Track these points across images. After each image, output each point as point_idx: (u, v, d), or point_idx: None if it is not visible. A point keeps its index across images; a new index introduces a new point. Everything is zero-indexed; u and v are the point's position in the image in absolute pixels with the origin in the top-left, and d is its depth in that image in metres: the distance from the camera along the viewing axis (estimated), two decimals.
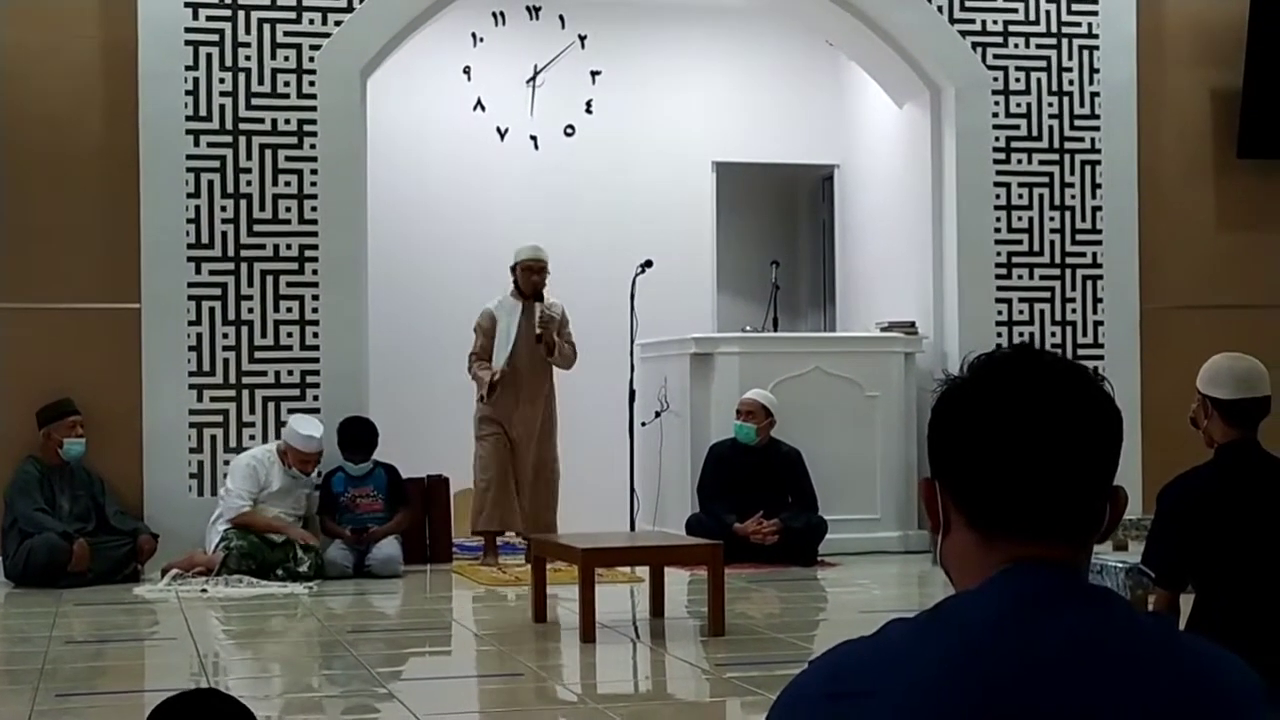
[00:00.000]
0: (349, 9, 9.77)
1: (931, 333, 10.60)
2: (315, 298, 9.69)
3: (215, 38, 9.61)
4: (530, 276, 9.93)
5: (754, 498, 9.72)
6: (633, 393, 10.38)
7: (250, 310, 9.63)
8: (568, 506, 10.14)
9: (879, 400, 10.37)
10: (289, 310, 9.67)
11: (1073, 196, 10.67)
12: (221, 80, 9.61)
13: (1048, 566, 1.73)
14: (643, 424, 10.57)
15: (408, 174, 11.99)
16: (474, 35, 12.30)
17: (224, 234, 9.60)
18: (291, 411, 9.56)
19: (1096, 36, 10.70)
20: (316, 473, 9.51)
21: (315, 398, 9.66)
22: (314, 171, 9.71)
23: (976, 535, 1.78)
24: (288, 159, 9.69)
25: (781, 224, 13.78)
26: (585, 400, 11.17)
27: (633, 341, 10.44)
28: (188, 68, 9.55)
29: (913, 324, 10.63)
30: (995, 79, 10.57)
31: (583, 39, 12.52)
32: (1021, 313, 10.57)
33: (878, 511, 10.38)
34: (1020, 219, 10.59)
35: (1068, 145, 10.66)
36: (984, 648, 1.65)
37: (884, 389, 10.38)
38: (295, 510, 9.44)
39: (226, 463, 9.48)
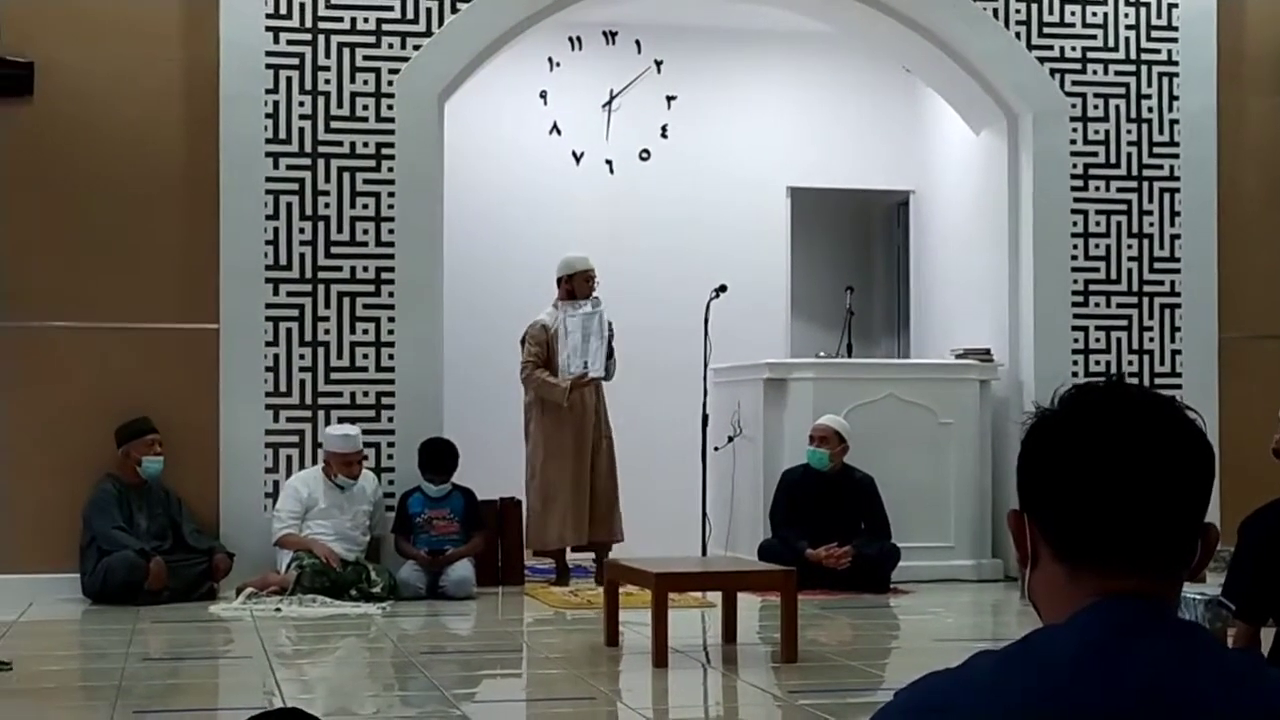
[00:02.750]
0: (428, 33, 9.84)
1: (1007, 360, 10.54)
2: (391, 320, 9.74)
3: (295, 61, 9.69)
4: (589, 284, 10.09)
5: (827, 524, 9.69)
6: (706, 417, 10.37)
7: (327, 331, 9.69)
8: (639, 530, 10.15)
9: (953, 428, 10.31)
10: (365, 332, 9.73)
11: (1151, 224, 10.59)
12: (301, 103, 9.69)
13: (1136, 600, 1.72)
14: (715, 449, 10.57)
15: (484, 197, 12.04)
16: (550, 60, 12.36)
17: (302, 256, 9.67)
18: (367, 433, 9.60)
19: (1176, 63, 10.62)
20: (385, 490, 9.54)
21: (390, 419, 9.71)
22: (391, 194, 9.77)
23: (1065, 569, 1.77)
24: (365, 182, 9.76)
25: (856, 250, 13.75)
26: (658, 424, 11.17)
27: (706, 366, 10.43)
28: (268, 91, 9.64)
29: (988, 351, 10.57)
30: (1073, 105, 10.51)
31: (659, 64, 12.55)
32: (1098, 341, 10.50)
33: (951, 539, 10.32)
34: (1098, 246, 10.52)
35: (1146, 172, 10.59)
36: (1068, 681, 1.65)
37: (958, 416, 10.33)
38: (353, 530, 9.42)
39: None
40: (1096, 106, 10.54)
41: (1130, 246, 10.56)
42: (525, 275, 11.98)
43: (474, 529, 9.64)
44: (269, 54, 9.65)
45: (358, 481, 9.42)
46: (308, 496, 9.36)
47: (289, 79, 9.68)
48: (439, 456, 9.52)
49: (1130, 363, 10.51)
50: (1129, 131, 10.58)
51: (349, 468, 9.37)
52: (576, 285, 10.10)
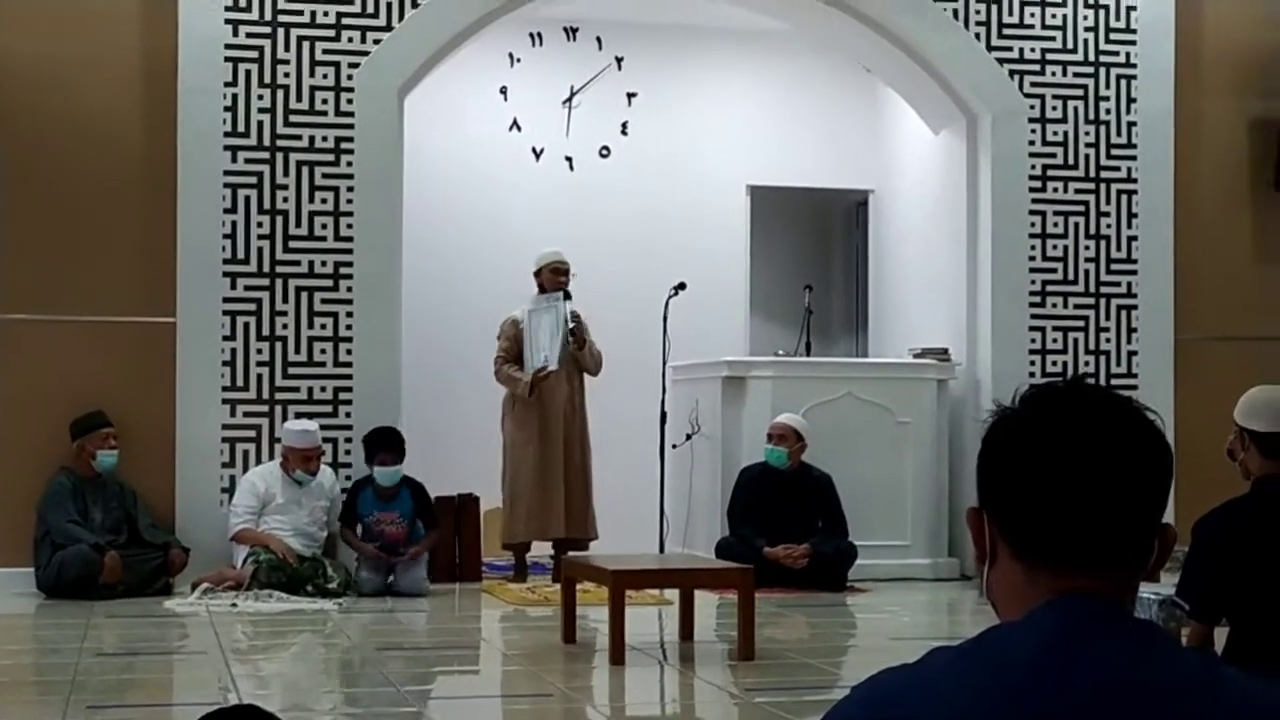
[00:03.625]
0: (388, 28, 9.81)
1: (964, 360, 10.58)
2: (349, 315, 9.71)
3: (254, 54, 9.65)
4: (557, 278, 10.10)
5: (784, 522, 9.70)
6: (664, 415, 10.39)
7: (284, 326, 9.66)
8: (599, 527, 10.15)
9: (910, 427, 10.35)
10: (323, 327, 9.70)
11: (1108, 225, 10.64)
12: (260, 96, 9.65)
13: (1092, 599, 1.73)
14: (673, 446, 10.58)
15: (443, 193, 12.02)
16: (511, 56, 12.34)
17: (260, 250, 9.64)
18: (325, 428, 9.58)
19: (1134, 65, 10.68)
20: (341, 485, 9.52)
21: (348, 414, 9.68)
22: (350, 189, 9.74)
23: (1022, 567, 1.78)
24: (324, 176, 9.72)
25: (815, 249, 13.78)
26: (616, 422, 11.16)
27: (665, 364, 10.45)
28: (227, 84, 9.60)
29: (945, 351, 10.61)
30: (1032, 106, 10.56)
31: (619, 61, 12.55)
32: (1055, 341, 10.54)
33: (908, 538, 10.35)
34: (1055, 247, 10.57)
35: (1104, 174, 10.64)
36: (1023, 680, 1.65)
37: (916, 415, 10.36)
38: (310, 526, 9.40)
39: None
40: (1055, 108, 10.59)
41: (1088, 248, 10.61)
42: (484, 271, 11.97)
43: (428, 526, 9.61)
44: (228, 46, 9.61)
45: (315, 477, 9.41)
46: (265, 492, 9.33)
47: (248, 72, 9.64)
48: (388, 436, 9.45)
49: (1087, 363, 10.56)
50: (1087, 133, 10.63)
51: (308, 463, 9.35)
52: (545, 279, 10.13)
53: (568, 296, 10.06)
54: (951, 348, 10.64)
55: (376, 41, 9.80)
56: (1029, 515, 1.76)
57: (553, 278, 10.11)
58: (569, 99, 12.48)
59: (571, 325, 9.96)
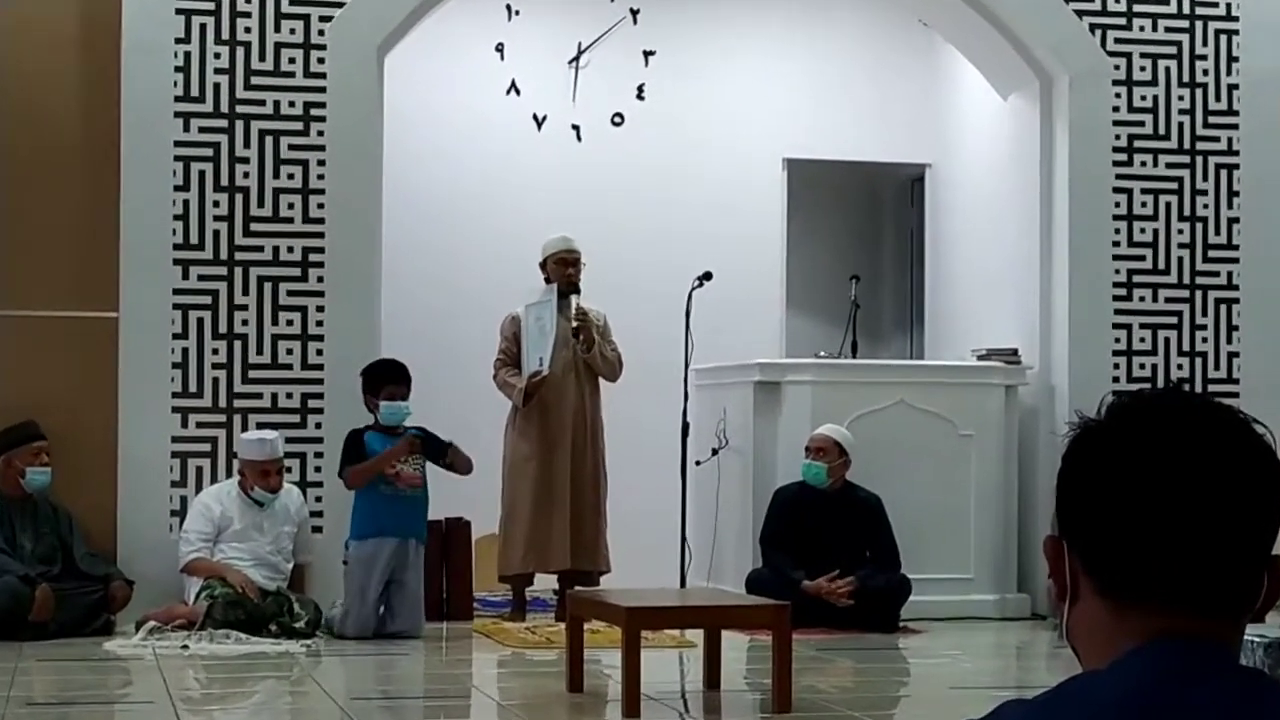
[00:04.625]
0: None
1: (1037, 363, 10.57)
2: (320, 309, 9.73)
3: (210, 5, 9.67)
4: (564, 269, 10.06)
5: (826, 551, 9.70)
6: (686, 426, 10.38)
7: (245, 323, 9.67)
8: (611, 556, 10.14)
9: (974, 440, 10.33)
10: (290, 323, 9.71)
11: (1205, 205, 10.63)
12: (217, 55, 9.67)
13: (1191, 643, 1.72)
14: (697, 463, 10.57)
15: (429, 168, 12.03)
16: (509, 7, 12.35)
17: (216, 233, 9.65)
18: (291, 441, 9.59)
19: (1236, 19, 10.66)
20: (312, 507, 9.52)
21: (318, 425, 9.70)
22: (321, 163, 9.76)
23: (1109, 605, 1.78)
24: (291, 148, 9.74)
25: (863, 232, 13.76)
26: (631, 434, 11.16)
27: (687, 367, 10.43)
28: (178, 40, 9.62)
29: (1015, 352, 10.60)
30: (1116, 67, 10.54)
31: (635, 14, 12.56)
32: (1143, 341, 10.53)
33: (970, 570, 10.34)
34: (1143, 231, 10.56)
35: (1200, 145, 10.63)
36: None
37: (980, 427, 10.35)
38: (274, 554, 9.37)
39: None
40: (1143, 68, 10.58)
41: (1181, 231, 10.60)
42: (479, 259, 11.97)
43: (441, 461, 9.47)
44: None
45: (278, 496, 9.41)
46: (221, 515, 9.34)
47: (202, 26, 9.66)
48: (393, 368, 9.39)
49: (1180, 366, 10.55)
50: (1180, 98, 10.61)
51: (266, 478, 9.35)
52: (551, 270, 10.11)
53: (575, 290, 10.04)
54: (1022, 348, 10.63)
55: None
56: (1117, 545, 1.76)
57: (559, 269, 10.07)
58: (576, 58, 12.49)
59: (575, 324, 9.94)
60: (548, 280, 10.12)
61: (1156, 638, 1.73)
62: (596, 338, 10.05)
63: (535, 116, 12.42)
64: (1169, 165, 10.62)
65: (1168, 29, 10.63)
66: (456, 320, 11.74)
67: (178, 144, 9.63)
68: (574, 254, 10.15)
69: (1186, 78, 10.64)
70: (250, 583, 9.16)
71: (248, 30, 9.72)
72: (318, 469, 9.71)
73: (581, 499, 10.01)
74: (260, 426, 9.55)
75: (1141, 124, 10.59)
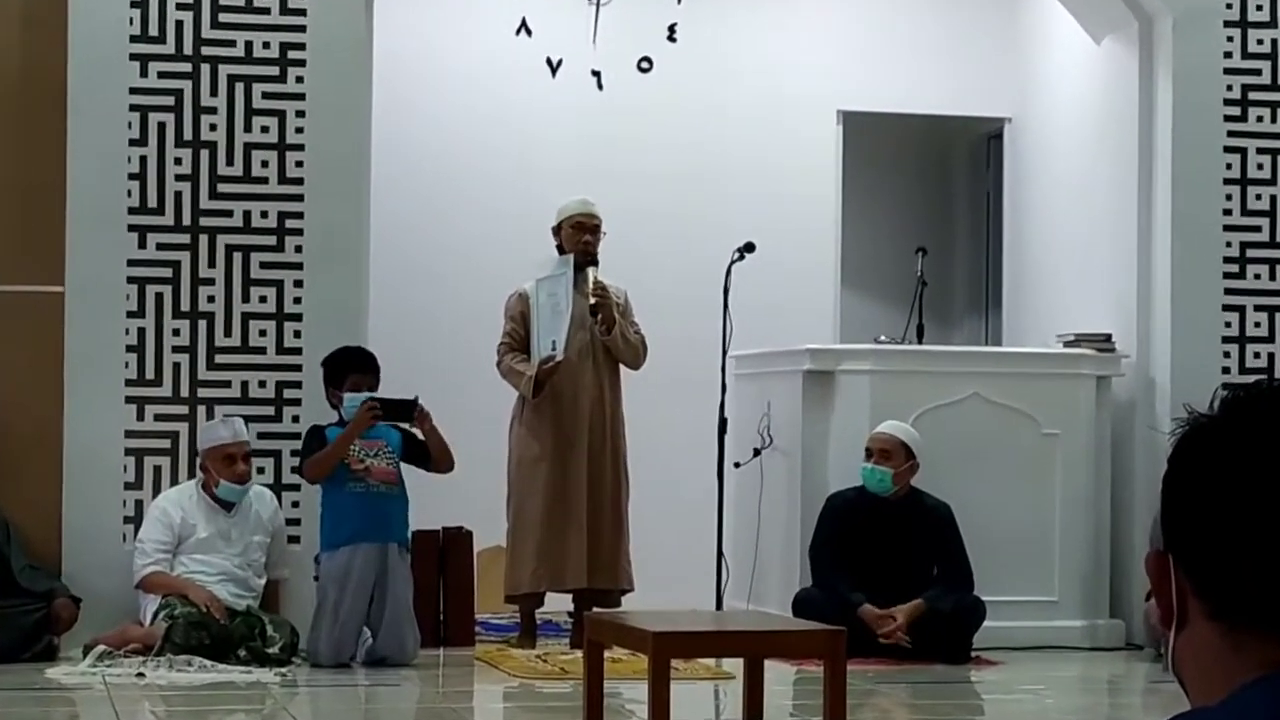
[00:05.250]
0: None
1: (1134, 350, 10.56)
2: (299, 284, 9.73)
3: None
4: (580, 236, 10.06)
5: (887, 568, 9.69)
6: (723, 422, 10.37)
7: (211, 299, 9.68)
8: (636, 573, 10.13)
9: (1060, 441, 10.32)
10: (263, 299, 9.72)
11: None
12: None
13: None
14: (736, 465, 10.57)
15: (427, 121, 12.03)
16: None
17: (178, 195, 9.66)
18: (263, 437, 9.60)
19: None
20: (288, 515, 9.54)
21: (296, 419, 9.70)
22: (300, 114, 9.76)
23: (1224, 631, 1.77)
24: (266, 96, 9.74)
25: (930, 197, 13.75)
26: (658, 431, 11.16)
27: (725, 353, 10.42)
28: None
29: (1108, 338, 10.59)
30: (1229, 5, 10.52)
31: None
32: (1258, 325, 10.51)
33: (1055, 592, 10.33)
34: (1259, 197, 10.54)
35: None
36: None
37: (1067, 425, 10.34)
38: (243, 568, 9.36)
39: None
40: (1260, 6, 10.55)
41: None
42: (481, 225, 11.97)
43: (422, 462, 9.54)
44: None
45: (247, 492, 9.38)
46: (182, 522, 9.34)
47: None
48: (359, 356, 9.40)
49: None
50: None
51: (231, 466, 9.32)
52: (565, 238, 10.10)
53: (593, 262, 10.03)
54: (1116, 333, 10.62)
55: None
56: (1234, 562, 1.75)
57: (574, 235, 10.06)
58: None
59: (593, 301, 9.92)
60: (561, 250, 10.10)
61: (1278, 670, 1.72)
62: (618, 317, 10.03)
63: (549, 61, 12.41)
64: None
65: None
66: (457, 297, 11.74)
67: (134, 91, 9.63)
68: (593, 219, 10.14)
69: None
70: (216, 601, 9.17)
71: None
72: (293, 469, 9.69)
73: (600, 506, 10.00)
74: (228, 418, 9.54)
75: (1258, 72, 10.57)
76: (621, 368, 10.18)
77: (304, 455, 9.31)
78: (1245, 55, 10.55)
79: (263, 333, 9.74)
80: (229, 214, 9.71)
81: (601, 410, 10.07)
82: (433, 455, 9.48)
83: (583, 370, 10.02)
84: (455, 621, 10.02)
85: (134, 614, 9.32)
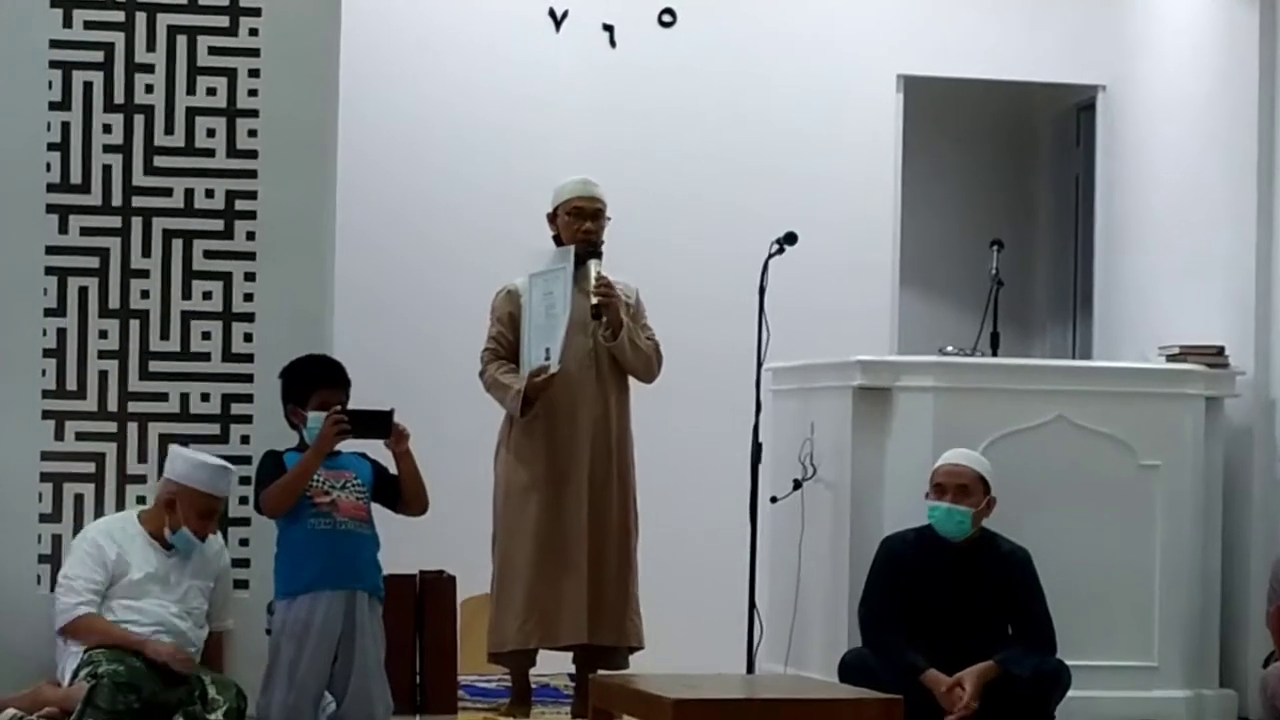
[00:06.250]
0: None
1: (1251, 367, 10.59)
2: (250, 276, 9.74)
3: None
4: (579, 223, 10.04)
5: (952, 625, 9.69)
6: (758, 447, 10.38)
7: (145, 294, 9.69)
8: (647, 631, 10.17)
9: (1161, 473, 10.34)
10: (208, 296, 9.73)
11: None
12: None
13: None
14: (773, 499, 10.60)
15: (404, 83, 12.07)
16: None
17: (107, 170, 9.68)
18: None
19: None
20: (234, 554, 9.56)
21: (245, 439, 9.69)
22: (253, 73, 9.78)
23: None
24: (212, 51, 9.75)
25: (1008, 180, 13.80)
26: (676, 457, 11.20)
27: (760, 365, 10.45)
28: None
29: (1220, 351, 10.61)
30: None
31: None
32: None
33: (1154, 656, 10.35)
34: None
35: None
36: None
37: (1171, 454, 10.35)
38: (183, 618, 9.33)
39: None
40: None
41: None
42: (466, 209, 12.02)
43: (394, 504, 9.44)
44: None
45: (197, 546, 9.34)
46: (116, 560, 9.30)
47: None
48: (328, 367, 9.31)
49: None
50: None
51: (205, 521, 9.29)
52: (561, 224, 10.10)
53: (596, 253, 10.03)
54: (1230, 346, 10.64)
55: None
56: None
57: (572, 222, 10.04)
58: None
59: (596, 300, 9.92)
60: (559, 241, 10.09)
61: None
62: (625, 319, 10.02)
63: (552, 12, 12.47)
64: None
65: None
66: (437, 294, 11.77)
67: (55, 44, 9.65)
68: (594, 202, 10.11)
69: None
70: (183, 654, 9.03)
71: None
72: (243, 500, 9.68)
73: (602, 547, 9.99)
74: (170, 441, 9.54)
75: None
76: (630, 380, 10.16)
77: (259, 484, 9.21)
78: None
79: (206, 335, 9.75)
80: (168, 193, 9.73)
81: (605, 431, 10.05)
82: (404, 488, 9.28)
83: (583, 383, 10.00)
84: (434, 684, 10.03)
85: (49, 670, 9.33)
